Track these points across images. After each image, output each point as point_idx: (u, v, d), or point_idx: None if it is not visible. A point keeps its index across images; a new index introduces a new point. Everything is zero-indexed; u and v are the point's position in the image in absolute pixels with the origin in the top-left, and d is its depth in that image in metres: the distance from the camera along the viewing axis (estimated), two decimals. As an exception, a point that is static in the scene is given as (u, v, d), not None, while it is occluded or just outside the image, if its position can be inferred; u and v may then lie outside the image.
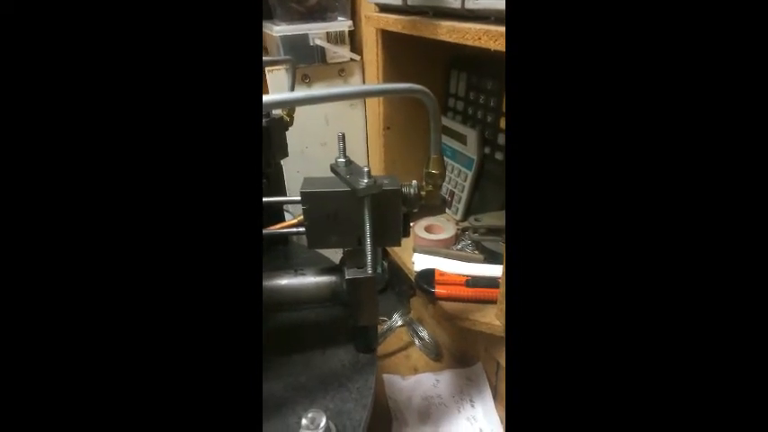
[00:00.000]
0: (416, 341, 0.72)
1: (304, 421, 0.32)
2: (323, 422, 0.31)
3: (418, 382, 0.65)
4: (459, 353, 0.69)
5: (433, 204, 0.39)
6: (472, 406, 0.60)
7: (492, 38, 0.39)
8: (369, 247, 0.34)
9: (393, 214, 0.36)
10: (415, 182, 0.37)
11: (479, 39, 0.40)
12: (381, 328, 0.73)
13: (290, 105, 0.44)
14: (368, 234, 0.34)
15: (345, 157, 0.37)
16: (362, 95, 0.31)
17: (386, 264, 0.88)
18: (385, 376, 0.65)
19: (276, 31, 0.74)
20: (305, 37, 0.76)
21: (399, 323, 0.73)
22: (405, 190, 0.37)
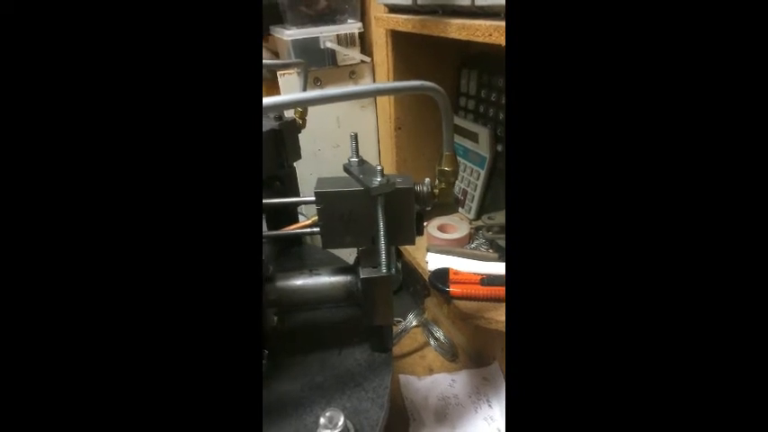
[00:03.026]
0: (432, 342, 0.72)
1: (322, 420, 0.32)
2: (341, 421, 0.31)
3: (434, 382, 0.64)
4: (475, 353, 0.69)
5: (447, 202, 0.39)
6: (489, 406, 0.60)
7: (503, 34, 0.38)
8: (382, 246, 0.34)
9: (406, 213, 0.36)
10: (427, 180, 0.37)
11: (490, 35, 0.40)
12: (396, 328, 0.72)
13: (301, 105, 0.44)
14: (381, 233, 0.34)
15: (358, 156, 0.37)
16: (373, 94, 0.31)
17: (400, 264, 0.89)
18: (401, 376, 0.65)
19: (287, 35, 0.75)
20: (315, 40, 0.76)
21: (414, 323, 0.73)
22: (418, 188, 0.37)
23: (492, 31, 0.39)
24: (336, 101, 0.27)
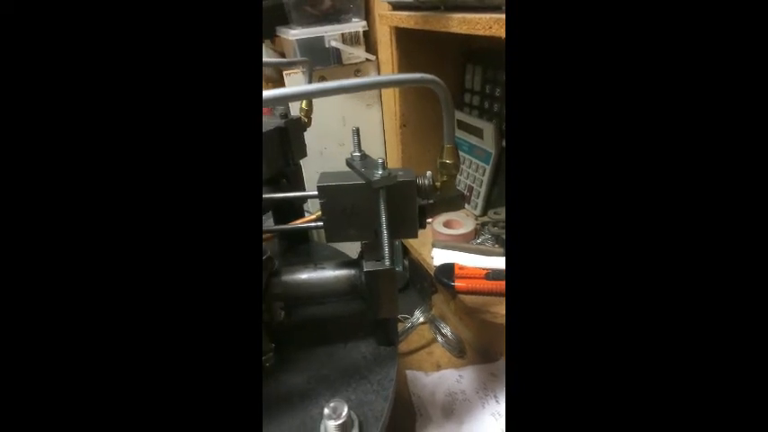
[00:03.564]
0: (439, 338, 0.72)
1: (326, 410, 0.32)
2: (344, 411, 0.32)
3: (441, 377, 0.64)
4: (482, 349, 0.69)
5: (449, 196, 0.39)
6: (497, 401, 0.59)
7: (503, 26, 0.38)
8: (385, 239, 0.34)
9: (409, 206, 0.37)
10: (429, 173, 0.37)
11: (491, 28, 0.40)
12: (403, 325, 0.73)
13: (301, 98, 0.45)
14: (384, 226, 0.34)
15: (360, 150, 0.37)
16: (373, 86, 0.31)
17: (406, 262, 0.89)
18: (408, 372, 0.65)
19: (292, 35, 0.76)
20: (320, 39, 0.77)
21: (421, 320, 0.73)
22: (419, 181, 0.37)
23: (492, 24, 0.39)
24: (337, 93, 0.28)
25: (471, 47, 0.72)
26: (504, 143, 0.68)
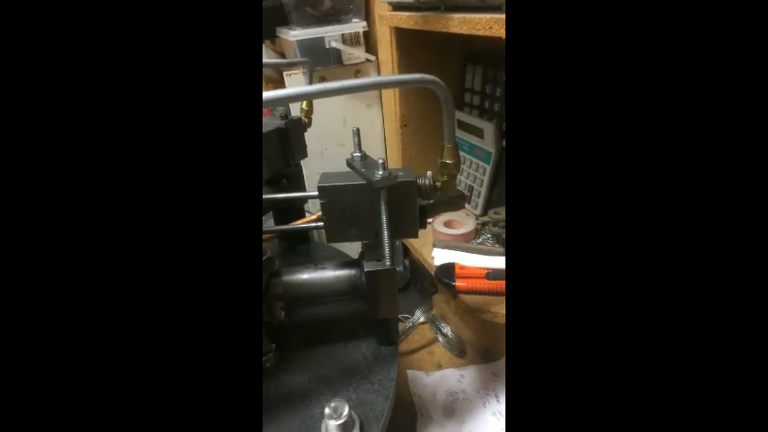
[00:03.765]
0: (440, 338, 0.72)
1: (327, 410, 0.32)
2: (345, 411, 0.32)
3: (443, 377, 0.64)
4: (483, 348, 0.69)
5: (450, 196, 0.39)
6: (498, 401, 0.59)
7: (503, 26, 0.39)
8: (386, 239, 0.34)
9: (409, 206, 0.37)
10: (429, 173, 0.37)
11: (491, 28, 0.40)
12: (404, 324, 0.73)
13: (301, 99, 0.45)
14: (384, 226, 0.34)
15: (361, 151, 0.37)
16: (373, 87, 0.31)
17: (407, 262, 0.89)
18: (409, 372, 0.65)
19: (292, 35, 0.76)
20: (321, 40, 0.77)
21: (422, 319, 0.73)
22: (420, 181, 0.37)
23: (492, 24, 0.40)
24: (337, 94, 0.28)
25: (472, 47, 0.72)
26: (504, 143, 0.68)
